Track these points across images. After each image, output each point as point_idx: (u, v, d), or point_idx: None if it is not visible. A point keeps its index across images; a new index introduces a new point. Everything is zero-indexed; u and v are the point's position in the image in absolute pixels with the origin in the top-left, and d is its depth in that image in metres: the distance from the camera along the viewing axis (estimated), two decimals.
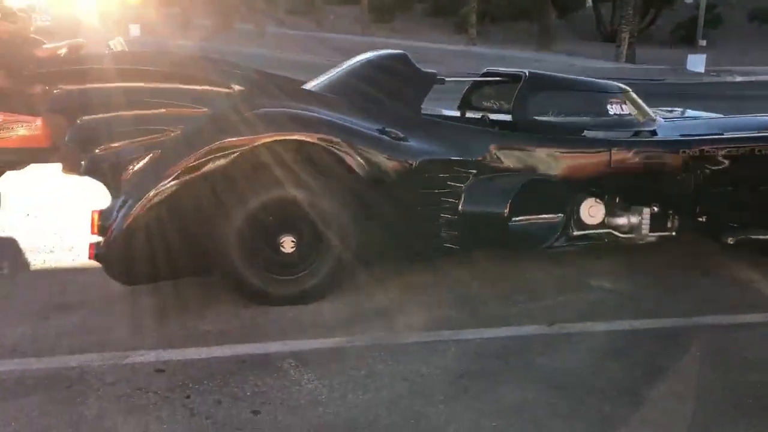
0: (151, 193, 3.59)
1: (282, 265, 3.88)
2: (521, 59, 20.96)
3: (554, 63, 20.23)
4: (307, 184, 3.81)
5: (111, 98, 3.77)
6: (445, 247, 4.17)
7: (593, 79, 5.22)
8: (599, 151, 4.31)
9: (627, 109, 4.76)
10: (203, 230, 3.74)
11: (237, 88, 3.91)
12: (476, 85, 5.27)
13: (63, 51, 6.29)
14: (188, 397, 3.00)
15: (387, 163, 3.91)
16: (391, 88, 4.30)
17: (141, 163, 3.71)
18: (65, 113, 3.83)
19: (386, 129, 3.99)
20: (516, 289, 4.27)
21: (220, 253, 3.76)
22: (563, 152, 4.29)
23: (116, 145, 3.73)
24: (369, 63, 4.52)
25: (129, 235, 3.61)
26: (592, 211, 4.37)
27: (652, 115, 4.94)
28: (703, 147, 4.37)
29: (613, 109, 4.70)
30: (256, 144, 3.68)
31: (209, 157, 3.62)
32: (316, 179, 3.84)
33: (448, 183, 4.08)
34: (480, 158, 4.15)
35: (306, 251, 3.90)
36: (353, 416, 2.87)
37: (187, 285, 4.06)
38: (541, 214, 4.29)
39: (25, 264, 4.64)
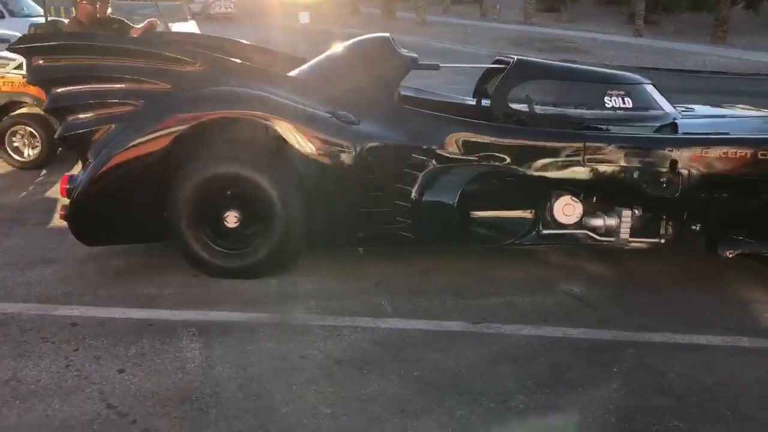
0: (110, 161, 3.87)
1: (225, 239, 4.01)
2: (681, 52, 19.44)
3: (716, 57, 18.50)
4: (250, 161, 3.90)
5: (83, 72, 4.06)
6: (399, 235, 4.08)
7: (599, 69, 4.80)
8: (570, 146, 3.96)
9: (632, 102, 4.33)
10: (156, 199, 3.95)
11: (198, 66, 4.07)
12: (488, 73, 5.07)
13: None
14: (77, 350, 3.23)
15: (332, 144, 3.90)
16: (365, 72, 4.25)
17: (105, 133, 3.98)
18: (41, 84, 4.21)
19: (337, 111, 3.97)
20: (473, 285, 4.08)
21: (169, 222, 3.97)
22: (531, 144, 3.99)
23: (86, 115, 4.04)
24: (351, 46, 4.49)
25: (88, 198, 3.92)
26: (567, 209, 4.07)
27: (670, 110, 4.46)
28: (696, 147, 3.89)
29: (613, 101, 4.30)
30: (201, 120, 3.83)
31: (161, 130, 3.84)
32: (260, 157, 3.92)
33: (403, 169, 3.98)
34: (439, 146, 3.99)
35: (249, 228, 4.00)
36: (199, 386, 2.95)
37: (163, 250, 4.30)
38: (502, 209, 4.09)
39: (47, 221, 5.13)
